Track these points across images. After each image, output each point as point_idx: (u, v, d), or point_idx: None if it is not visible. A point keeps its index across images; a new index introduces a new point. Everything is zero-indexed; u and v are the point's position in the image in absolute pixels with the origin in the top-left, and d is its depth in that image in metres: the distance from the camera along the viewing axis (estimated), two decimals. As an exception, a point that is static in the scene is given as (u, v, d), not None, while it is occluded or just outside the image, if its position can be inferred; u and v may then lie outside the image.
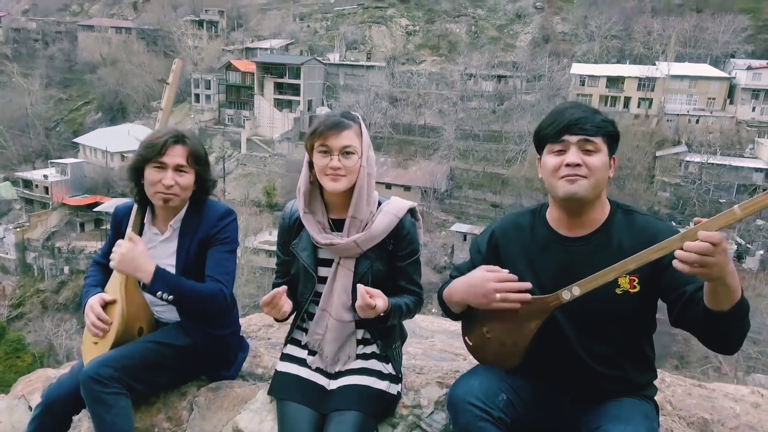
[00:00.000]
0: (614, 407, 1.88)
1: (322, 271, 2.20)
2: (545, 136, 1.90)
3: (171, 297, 2.26)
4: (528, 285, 1.86)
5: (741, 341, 1.75)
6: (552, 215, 2.00)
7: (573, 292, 1.82)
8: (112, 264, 2.25)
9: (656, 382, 2.08)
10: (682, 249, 1.56)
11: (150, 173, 2.31)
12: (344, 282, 2.15)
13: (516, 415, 1.91)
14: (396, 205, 2.18)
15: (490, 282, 1.85)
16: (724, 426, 2.55)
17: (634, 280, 1.86)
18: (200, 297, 2.30)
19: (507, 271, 1.89)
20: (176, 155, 2.31)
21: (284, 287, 2.10)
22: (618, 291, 1.87)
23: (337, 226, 2.18)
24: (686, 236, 1.59)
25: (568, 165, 1.84)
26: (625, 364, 1.94)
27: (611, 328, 1.90)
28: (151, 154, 2.30)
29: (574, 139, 1.85)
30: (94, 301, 2.32)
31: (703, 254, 1.53)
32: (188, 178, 2.35)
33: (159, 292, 2.25)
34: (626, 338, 1.93)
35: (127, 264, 2.23)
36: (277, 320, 2.22)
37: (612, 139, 1.89)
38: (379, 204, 2.18)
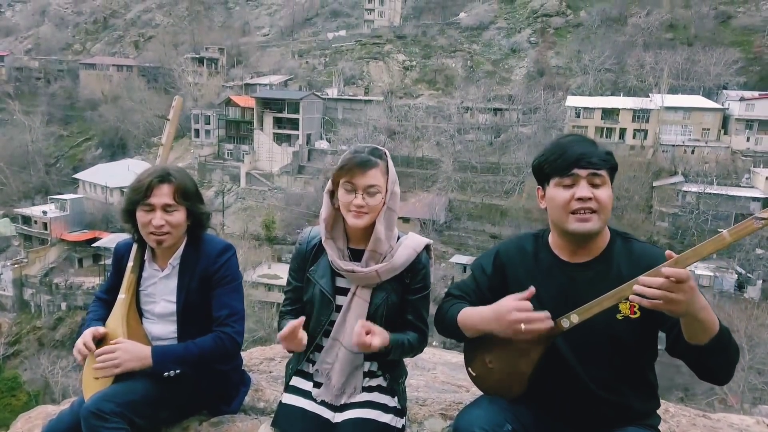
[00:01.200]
0: None
1: (339, 300, 2.21)
2: (553, 170, 1.92)
3: (178, 371, 2.28)
4: (547, 314, 1.83)
5: (728, 372, 1.78)
6: (554, 241, 2.03)
7: (572, 320, 1.83)
8: (119, 371, 2.24)
9: (660, 413, 2.06)
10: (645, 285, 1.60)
11: (140, 215, 2.32)
12: (358, 312, 2.16)
13: (521, 445, 1.89)
14: (415, 240, 2.22)
15: (513, 312, 1.83)
16: (731, 456, 2.52)
17: (635, 306, 1.86)
18: (205, 356, 2.31)
19: (530, 306, 1.85)
20: (163, 195, 2.30)
21: (302, 318, 2.09)
22: (618, 317, 1.88)
23: (355, 256, 2.20)
24: (678, 262, 1.62)
25: (579, 199, 1.86)
26: (628, 391, 1.93)
27: (612, 353, 1.91)
28: (138, 196, 2.30)
29: (584, 173, 1.87)
30: (87, 332, 2.32)
31: (663, 290, 1.56)
32: (178, 216, 2.34)
33: (165, 373, 2.27)
34: (628, 364, 1.93)
35: (131, 361, 2.24)
36: (291, 351, 2.20)
37: (613, 171, 1.94)
38: (398, 238, 2.22)
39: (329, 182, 2.17)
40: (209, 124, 61.40)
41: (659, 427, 2.03)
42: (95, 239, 46.24)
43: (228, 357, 2.40)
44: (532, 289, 1.85)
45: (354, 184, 2.09)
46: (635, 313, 1.87)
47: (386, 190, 2.13)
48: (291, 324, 2.05)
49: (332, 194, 2.17)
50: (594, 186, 1.87)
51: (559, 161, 1.90)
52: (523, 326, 1.81)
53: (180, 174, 2.38)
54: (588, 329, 1.86)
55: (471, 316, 1.99)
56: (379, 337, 2.01)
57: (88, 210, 51.50)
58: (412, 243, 2.20)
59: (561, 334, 1.88)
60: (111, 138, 67.26)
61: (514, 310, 1.83)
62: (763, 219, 1.54)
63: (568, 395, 1.94)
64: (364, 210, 2.10)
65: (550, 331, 1.86)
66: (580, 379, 1.92)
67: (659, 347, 1.97)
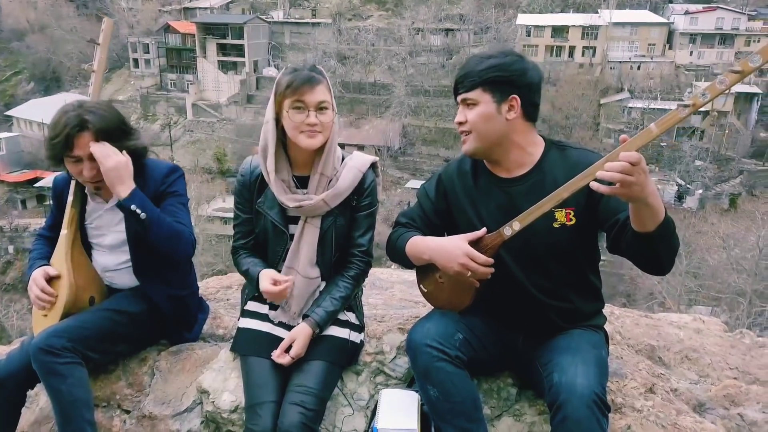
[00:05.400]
0: (563, 339, 1.95)
1: (291, 228, 2.19)
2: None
3: (144, 215, 2.14)
4: (491, 261, 1.90)
5: (672, 260, 1.79)
6: None
7: (513, 227, 1.86)
8: (106, 164, 2.11)
9: (606, 314, 2.16)
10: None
11: (69, 166, 2.19)
12: (311, 239, 2.15)
13: (473, 353, 1.97)
14: (359, 160, 2.19)
15: (465, 257, 1.88)
16: (670, 350, 2.71)
17: (570, 213, 1.91)
18: (171, 229, 2.20)
19: (481, 259, 1.89)
20: (85, 144, 2.14)
21: (292, 279, 2.10)
22: (555, 225, 1.92)
23: (301, 182, 2.15)
24: (609, 158, 1.63)
25: (458, 124, 2.00)
26: (572, 296, 2.01)
27: (554, 261, 1.97)
28: (60, 151, 2.14)
29: (459, 99, 1.99)
30: (37, 274, 2.24)
31: (622, 173, 1.57)
32: None
33: (133, 206, 2.13)
34: (570, 270, 1.99)
35: (114, 172, 2.12)
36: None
37: (498, 83, 1.91)
38: (342, 159, 2.18)
39: (269, 110, 2.07)
40: (148, 53, 58.03)
41: (605, 327, 2.13)
42: (37, 179, 44.18)
43: (185, 247, 2.26)
44: (483, 230, 1.92)
45: (304, 102, 2.02)
46: (571, 220, 1.92)
47: (333, 108, 2.09)
48: (284, 285, 2.05)
49: (277, 122, 2.08)
50: (469, 107, 1.95)
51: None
52: (469, 274, 1.88)
53: (98, 114, 2.17)
54: (529, 240, 1.91)
55: (419, 246, 2.04)
56: (299, 342, 2.06)
57: (25, 149, 48.83)
58: (356, 163, 2.17)
59: (504, 246, 1.92)
60: (42, 71, 62.90)
61: (466, 255, 1.87)
62: (687, 106, 1.56)
63: (515, 303, 2.02)
64: (317, 128, 2.05)
65: (494, 241, 1.90)
66: (524, 287, 1.98)
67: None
